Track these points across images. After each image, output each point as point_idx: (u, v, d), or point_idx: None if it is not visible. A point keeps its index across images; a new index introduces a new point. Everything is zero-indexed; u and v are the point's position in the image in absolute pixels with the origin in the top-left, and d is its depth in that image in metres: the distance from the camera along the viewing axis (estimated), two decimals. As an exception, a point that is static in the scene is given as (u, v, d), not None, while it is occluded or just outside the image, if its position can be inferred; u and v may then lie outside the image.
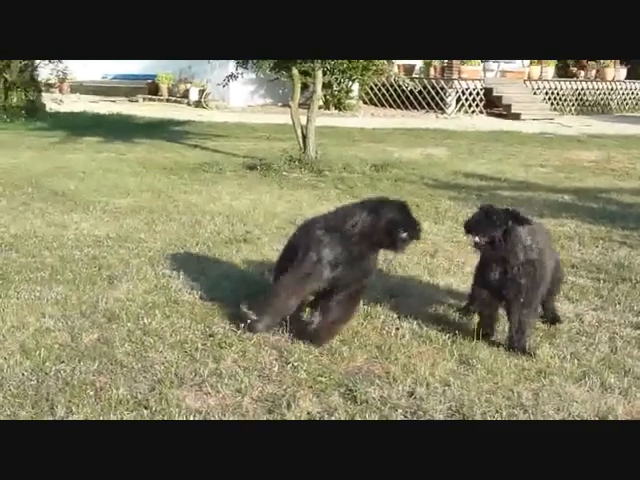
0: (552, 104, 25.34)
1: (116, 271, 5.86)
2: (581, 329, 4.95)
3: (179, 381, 3.95)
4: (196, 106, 22.75)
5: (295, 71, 11.75)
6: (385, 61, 21.89)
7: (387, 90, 24.52)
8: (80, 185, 9.62)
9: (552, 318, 5.04)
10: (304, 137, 11.68)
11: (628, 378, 4.16)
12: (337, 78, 21.75)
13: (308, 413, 3.68)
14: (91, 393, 3.75)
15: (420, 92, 23.78)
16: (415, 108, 23.90)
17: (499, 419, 3.67)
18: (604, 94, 27.14)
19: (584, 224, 8.16)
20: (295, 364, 4.21)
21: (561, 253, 6.42)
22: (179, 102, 23.37)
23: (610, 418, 3.70)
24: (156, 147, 13.73)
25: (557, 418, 3.69)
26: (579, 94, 26.46)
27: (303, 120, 11.68)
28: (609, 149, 15.44)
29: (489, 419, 3.66)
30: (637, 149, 15.52)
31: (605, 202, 9.64)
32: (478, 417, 3.67)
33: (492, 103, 23.98)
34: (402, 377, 4.08)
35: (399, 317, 5.04)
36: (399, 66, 24.88)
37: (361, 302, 4.99)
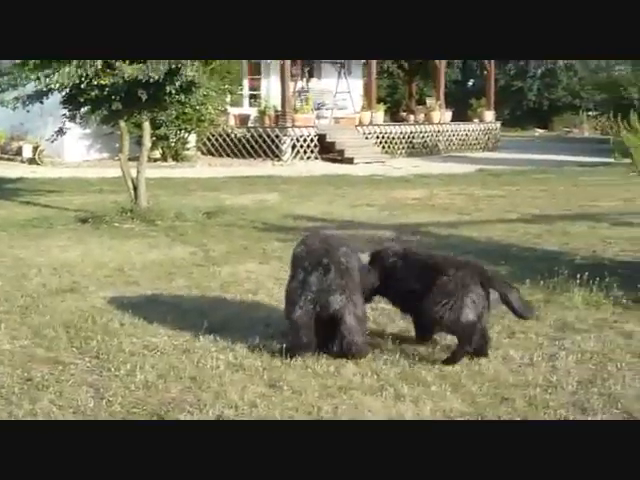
0: (383, 147, 26.45)
1: None
2: (384, 348, 5.37)
3: (-7, 423, 4.07)
4: (30, 163, 22.35)
5: (122, 124, 11.92)
6: (220, 112, 22.41)
7: (224, 140, 24.93)
8: None
9: None
10: (135, 188, 11.83)
11: (420, 388, 4.59)
12: (173, 130, 22.00)
13: (120, 442, 3.87)
14: None
15: (256, 141, 24.36)
16: (252, 157, 24.39)
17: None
18: (432, 136, 28.56)
19: (401, 256, 8.69)
20: (110, 399, 4.40)
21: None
22: (12, 159, 22.90)
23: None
24: (-15, 205, 13.50)
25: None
26: (409, 137, 27.74)
27: (135, 172, 11.84)
28: (432, 187, 16.37)
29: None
30: (457, 186, 16.55)
31: (423, 235, 10.28)
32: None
33: (326, 149, 24.80)
34: (212, 403, 4.35)
35: (217, 350, 5.31)
36: (234, 116, 25.42)
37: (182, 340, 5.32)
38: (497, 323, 5.96)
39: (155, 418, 4.15)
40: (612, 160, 15.99)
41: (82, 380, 4.74)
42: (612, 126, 8.58)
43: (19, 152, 23.04)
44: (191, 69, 10.52)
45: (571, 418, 4.15)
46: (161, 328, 5.84)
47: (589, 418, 4.15)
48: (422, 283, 5.22)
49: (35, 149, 22.47)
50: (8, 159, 23.02)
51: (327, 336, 5.14)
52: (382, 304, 6.37)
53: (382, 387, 4.60)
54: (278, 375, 4.79)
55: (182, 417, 4.14)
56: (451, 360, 5.07)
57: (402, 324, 5.96)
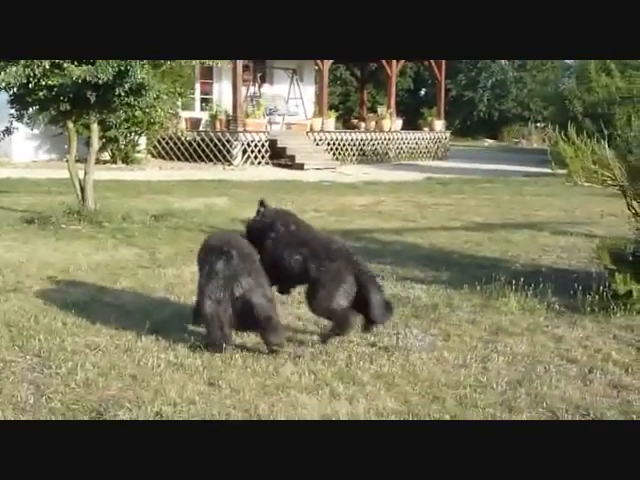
0: (334, 154, 26.66)
1: None
2: (323, 350, 5.50)
3: None
4: (-24, 163, 22.14)
5: (70, 125, 11.90)
6: (171, 115, 22.37)
7: (175, 143, 24.94)
8: None
9: None
10: (83, 190, 11.81)
11: (355, 387, 4.74)
12: (123, 132, 21.93)
13: (57, 436, 3.94)
14: None
15: (207, 145, 24.40)
16: (203, 160, 24.44)
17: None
18: (382, 144, 28.84)
19: (345, 261, 8.83)
20: (50, 396, 4.47)
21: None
22: (-42, 159, 22.63)
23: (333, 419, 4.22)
24: None
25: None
26: (359, 144, 27.98)
27: (83, 174, 11.83)
28: (380, 194, 16.59)
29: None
30: (405, 193, 16.79)
31: (367, 241, 10.45)
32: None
33: (277, 154, 24.93)
34: (151, 400, 4.43)
35: (158, 350, 5.39)
36: (186, 120, 25.43)
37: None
38: (434, 327, 6.14)
39: (94, 414, 4.22)
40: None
41: (23, 377, 4.79)
42: (549, 137, 8.83)
43: (-35, 151, 22.75)
44: (140, 71, 10.54)
45: (498, 416, 4.32)
46: (104, 328, 5.90)
47: (515, 417, 4.32)
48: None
49: (-19, 149, 22.20)
50: (-46, 158, 22.71)
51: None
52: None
53: (318, 386, 4.73)
54: (218, 374, 4.90)
55: (121, 414, 4.22)
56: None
57: (342, 326, 6.10)
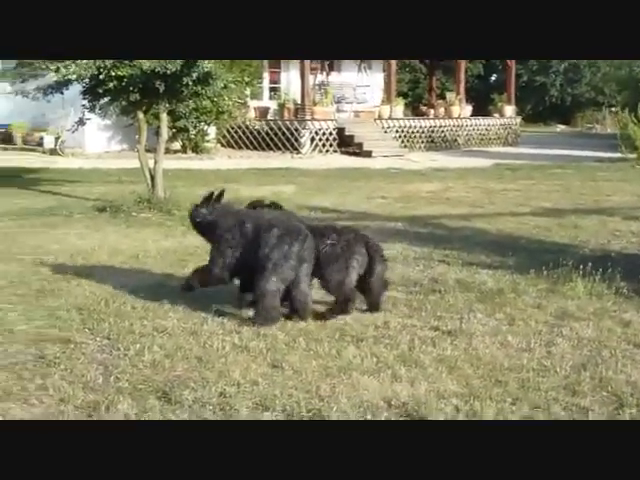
0: (402, 141, 26.55)
1: (-46, 307, 6.08)
2: (386, 333, 5.53)
3: (6, 396, 4.27)
4: (51, 154, 22.66)
5: (140, 115, 12.12)
6: (240, 105, 22.57)
7: (243, 132, 25.14)
8: None
9: None
10: (152, 179, 12.03)
11: (417, 369, 4.75)
12: (192, 122, 22.20)
13: (125, 415, 4.06)
14: None
15: (275, 133, 24.55)
16: (271, 149, 24.60)
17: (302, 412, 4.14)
18: (451, 131, 28.61)
19: (411, 247, 8.84)
20: (118, 376, 4.60)
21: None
22: (34, 150, 23.21)
23: (394, 402, 4.24)
24: (6, 194, 13.75)
25: (348, 404, 4.20)
26: (428, 131, 27.81)
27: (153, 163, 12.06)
28: (448, 180, 16.50)
29: (288, 409, 4.14)
30: (473, 179, 16.66)
31: (434, 227, 10.43)
32: (279, 408, 4.15)
33: (345, 142, 24.94)
34: (216, 381, 4.52)
35: (223, 333, 5.49)
36: (254, 109, 25.62)
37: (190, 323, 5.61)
38: (499, 311, 6.11)
39: (160, 394, 4.32)
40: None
41: (93, 358, 4.94)
42: (620, 120, 8.65)
43: (40, 143, 23.35)
44: (208, 61, 10.70)
45: (561, 400, 4.28)
46: (171, 312, 6.02)
47: (578, 401, 4.28)
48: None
49: (56, 140, 22.75)
50: (30, 150, 23.32)
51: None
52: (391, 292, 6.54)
53: (380, 368, 4.76)
54: (281, 356, 4.97)
55: (186, 393, 4.31)
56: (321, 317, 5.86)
57: (406, 310, 6.13)
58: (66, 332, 5.47)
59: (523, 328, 5.68)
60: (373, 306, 6.09)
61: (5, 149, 23.71)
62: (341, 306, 5.92)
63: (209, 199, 6.30)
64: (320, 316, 5.87)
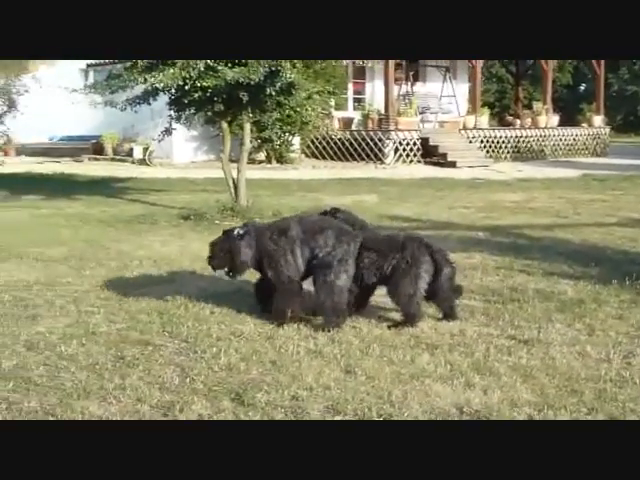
0: (487, 152, 26.29)
1: (40, 310, 6.31)
2: (461, 341, 5.49)
3: (85, 394, 4.41)
4: (140, 164, 23.27)
5: (224, 125, 12.33)
6: (324, 115, 22.74)
7: (327, 143, 25.29)
8: (16, 238, 10.03)
9: None
10: (236, 187, 12.22)
11: (491, 377, 4.70)
12: (277, 132, 22.46)
13: (199, 415, 4.14)
14: (4, 406, 4.19)
15: (359, 144, 24.61)
16: (355, 159, 24.67)
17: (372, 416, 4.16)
18: (538, 141, 28.19)
19: (491, 256, 8.74)
20: (194, 377, 4.69)
21: (463, 281, 6.95)
22: (123, 160, 23.89)
23: (465, 409, 4.21)
24: (95, 202, 14.19)
25: (419, 410, 4.20)
26: (514, 141, 27.47)
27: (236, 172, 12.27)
28: (533, 191, 16.28)
29: (359, 413, 4.16)
30: (558, 190, 16.38)
31: (516, 237, 10.29)
32: (350, 412, 4.17)
33: (430, 152, 24.84)
34: (289, 384, 4.57)
35: (299, 338, 5.54)
36: (339, 119, 25.75)
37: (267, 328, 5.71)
38: (578, 321, 6.00)
39: (233, 396, 4.39)
40: None
41: (170, 360, 5.05)
42: None
43: (130, 153, 24.01)
44: (290, 71, 10.82)
45: (638, 411, 4.18)
46: (249, 317, 6.11)
47: (657, 412, 4.18)
48: None
49: (145, 150, 23.34)
50: (120, 160, 24.01)
51: None
52: (464, 300, 6.49)
53: (454, 376, 4.73)
54: (354, 362, 4.98)
55: (259, 396, 4.37)
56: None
57: (483, 319, 6.07)
58: (146, 335, 5.61)
59: (602, 338, 5.56)
60: (447, 313, 6.05)
61: (96, 159, 24.45)
62: (409, 320, 5.88)
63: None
64: (393, 326, 5.88)
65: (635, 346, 5.37)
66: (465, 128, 26.44)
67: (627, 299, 6.62)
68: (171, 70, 10.73)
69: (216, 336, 5.60)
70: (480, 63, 26.89)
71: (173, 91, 11.70)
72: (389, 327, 5.85)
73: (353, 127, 25.83)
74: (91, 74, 25.80)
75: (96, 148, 25.37)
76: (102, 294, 6.89)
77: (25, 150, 25.33)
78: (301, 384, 4.57)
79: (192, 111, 12.16)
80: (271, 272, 6.01)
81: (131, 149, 24.06)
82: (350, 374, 4.78)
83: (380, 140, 24.21)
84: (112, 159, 24.37)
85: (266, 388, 4.50)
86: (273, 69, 10.71)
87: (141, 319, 6.03)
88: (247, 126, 12.36)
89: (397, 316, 6.06)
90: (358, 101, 27.71)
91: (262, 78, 10.74)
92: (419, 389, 4.52)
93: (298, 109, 13.50)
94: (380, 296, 6.49)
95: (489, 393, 4.46)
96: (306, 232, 5.97)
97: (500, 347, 5.36)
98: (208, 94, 11.15)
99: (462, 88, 30.47)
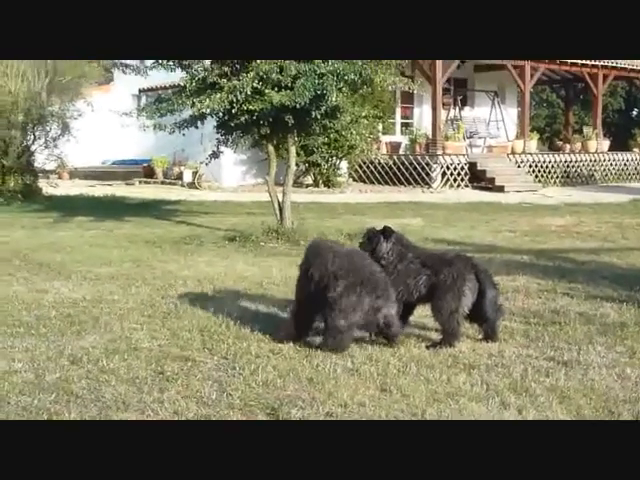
0: (536, 176, 26.12)
1: (86, 326, 6.45)
2: (499, 362, 5.48)
3: (125, 407, 4.50)
4: (189, 187, 23.58)
5: (271, 147, 12.48)
6: (371, 140, 22.83)
7: (375, 167, 25.35)
8: (65, 257, 10.25)
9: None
10: (281, 210, 12.34)
11: (527, 398, 4.69)
12: (325, 156, 22.63)
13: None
14: (45, 417, 4.30)
15: (407, 168, 24.63)
16: (402, 184, 24.68)
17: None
18: (588, 166, 27.94)
19: (535, 279, 8.70)
20: (231, 393, 4.76)
21: (505, 303, 6.96)
22: (173, 184, 24.22)
23: (499, 427, 4.21)
24: (144, 224, 14.43)
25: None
26: (563, 166, 27.26)
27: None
28: (580, 215, 16.14)
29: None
30: (607, 214, 16.22)
31: (561, 261, 10.22)
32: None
33: (477, 177, 24.76)
34: (324, 401, 4.61)
35: (336, 357, 5.58)
36: (386, 144, 25.83)
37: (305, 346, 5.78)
38: (619, 344, 5.95)
39: (269, 411, 4.45)
40: None
41: (209, 376, 5.13)
42: None
43: (180, 177, 24.35)
44: (336, 95, 10.93)
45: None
46: (288, 335, 6.17)
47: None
48: None
49: (195, 174, 23.66)
50: (170, 183, 24.36)
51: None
52: (505, 322, 6.48)
53: (489, 395, 4.73)
54: (391, 380, 5.01)
55: (294, 411, 4.42)
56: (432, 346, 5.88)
57: (522, 340, 6.05)
58: (186, 351, 5.71)
59: (644, 361, 5.51)
60: (488, 334, 6.05)
61: (147, 182, 24.83)
62: (448, 337, 5.91)
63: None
64: (431, 345, 5.90)
65: (676, 369, 5.32)
66: (513, 153, 26.32)
67: (670, 323, 6.54)
68: (218, 95, 10.92)
69: (255, 353, 5.67)
70: (529, 86, 26.76)
71: (220, 114, 11.89)
72: (427, 347, 5.87)
73: (401, 151, 25.88)
74: (143, 99, 26.31)
75: (147, 171, 25.78)
76: (146, 312, 7.01)
77: (78, 174, 25.82)
78: (336, 401, 4.61)
79: (239, 134, 12.33)
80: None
81: (181, 172, 24.40)
82: (386, 392, 4.81)
83: (427, 164, 24.20)
84: (162, 182, 24.73)
85: (301, 404, 4.56)
86: (319, 92, 10.82)
87: (182, 336, 6.13)
88: (292, 149, 12.49)
89: (436, 336, 6.09)
90: (406, 125, 27.77)
91: (307, 101, 10.86)
92: (453, 407, 4.53)
93: (343, 133, 13.60)
94: (419, 317, 6.53)
95: (524, 413, 4.46)
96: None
97: (538, 368, 5.34)
98: (254, 117, 11.30)
99: (511, 113, 30.39)
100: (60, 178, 24.47)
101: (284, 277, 8.90)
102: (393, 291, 5.88)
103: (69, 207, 17.45)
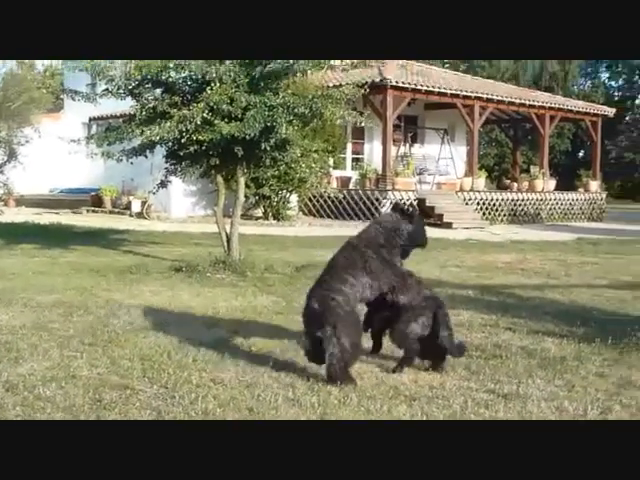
0: (484, 214, 26.48)
1: (24, 353, 6.32)
2: (440, 394, 5.50)
3: (59, 435, 4.41)
4: (138, 217, 23.45)
5: (219, 178, 12.48)
6: (322, 174, 22.98)
7: (325, 201, 25.49)
8: (7, 284, 10.08)
9: None
10: (229, 241, 12.30)
11: (465, 429, 4.71)
12: (275, 189, 22.68)
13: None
14: (-25, 444, 4.19)
15: (356, 203, 24.81)
16: (352, 218, 24.83)
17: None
18: (534, 204, 28.41)
19: (479, 314, 8.77)
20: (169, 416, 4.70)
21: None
22: (122, 213, 24.06)
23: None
24: (90, 253, 14.27)
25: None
26: (510, 204, 27.68)
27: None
28: (526, 252, 16.35)
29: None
30: (551, 252, 16.47)
31: (506, 296, 10.32)
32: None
33: (426, 213, 24.97)
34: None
35: (278, 387, 5.56)
36: (337, 178, 26.00)
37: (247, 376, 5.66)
38: (558, 378, 6.02)
39: (207, 440, 4.40)
40: None
41: (147, 404, 5.06)
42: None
43: (128, 206, 24.20)
44: (285, 127, 10.98)
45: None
46: (231, 365, 6.12)
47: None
48: None
49: (143, 204, 23.54)
50: (118, 213, 24.19)
51: None
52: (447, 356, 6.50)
53: (429, 427, 4.74)
54: (331, 411, 5.00)
55: (232, 441, 4.38)
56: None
57: (464, 373, 6.09)
58: (126, 379, 5.63)
59: (581, 395, 5.57)
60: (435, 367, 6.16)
61: (95, 212, 24.60)
62: (406, 360, 6.09)
63: None
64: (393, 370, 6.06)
65: (613, 402, 5.38)
66: (462, 190, 26.68)
67: (609, 357, 6.64)
68: (167, 123, 10.90)
69: (196, 383, 5.61)
70: (477, 125, 27.20)
71: (170, 144, 11.85)
72: (393, 370, 6.04)
73: (351, 186, 26.09)
74: (94, 127, 26.17)
75: (95, 201, 25.57)
76: (87, 339, 6.91)
77: (25, 201, 25.53)
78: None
79: (188, 164, 12.30)
80: None
81: (129, 202, 24.25)
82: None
83: (377, 199, 24.41)
84: (110, 212, 24.54)
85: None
86: (268, 124, 10.87)
87: (123, 364, 6.06)
88: (241, 180, 12.49)
89: (378, 370, 6.10)
90: (356, 161, 28.03)
91: (257, 133, 10.89)
92: (393, 438, 4.52)
93: (293, 165, 13.65)
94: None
95: (462, 444, 4.46)
96: None
97: (478, 400, 5.37)
98: (204, 147, 11.28)
99: (460, 151, 30.84)
100: (6, 205, 24.16)
101: (229, 307, 8.87)
102: None
103: (14, 234, 17.19)
